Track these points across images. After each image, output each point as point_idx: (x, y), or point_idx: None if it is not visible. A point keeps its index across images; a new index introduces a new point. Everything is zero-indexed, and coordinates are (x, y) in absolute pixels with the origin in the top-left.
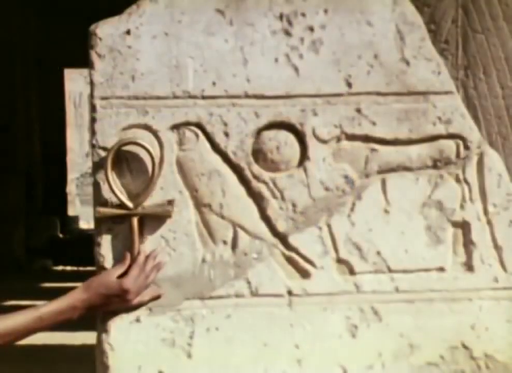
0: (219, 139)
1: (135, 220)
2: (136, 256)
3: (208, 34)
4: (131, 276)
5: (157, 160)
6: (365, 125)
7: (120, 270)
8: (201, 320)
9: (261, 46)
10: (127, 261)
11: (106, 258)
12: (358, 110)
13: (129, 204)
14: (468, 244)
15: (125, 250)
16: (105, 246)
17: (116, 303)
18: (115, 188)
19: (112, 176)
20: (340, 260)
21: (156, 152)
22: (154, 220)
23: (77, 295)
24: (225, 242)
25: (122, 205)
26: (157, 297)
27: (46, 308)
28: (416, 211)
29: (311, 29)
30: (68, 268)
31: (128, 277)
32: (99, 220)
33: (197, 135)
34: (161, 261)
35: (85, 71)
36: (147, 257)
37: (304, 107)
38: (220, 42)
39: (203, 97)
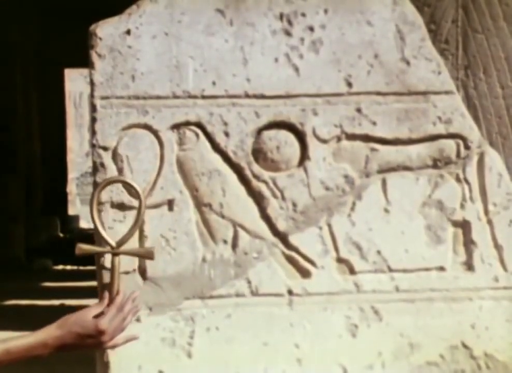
0: (220, 138)
1: (116, 260)
2: (114, 296)
3: (208, 34)
4: (108, 317)
5: (142, 197)
6: (365, 125)
7: (97, 309)
8: (202, 319)
9: (262, 46)
10: (105, 301)
11: (106, 257)
12: (359, 110)
13: (112, 243)
14: (468, 243)
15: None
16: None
17: (89, 344)
18: (99, 226)
19: (97, 214)
20: (340, 260)
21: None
22: (154, 219)
23: (50, 332)
24: (225, 242)
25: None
26: (132, 340)
27: (15, 342)
28: (416, 210)
29: (311, 29)
30: (68, 267)
31: (105, 318)
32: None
33: (197, 135)
34: (139, 305)
35: (85, 71)
36: (126, 299)
37: (304, 107)
38: (220, 42)
39: (203, 97)
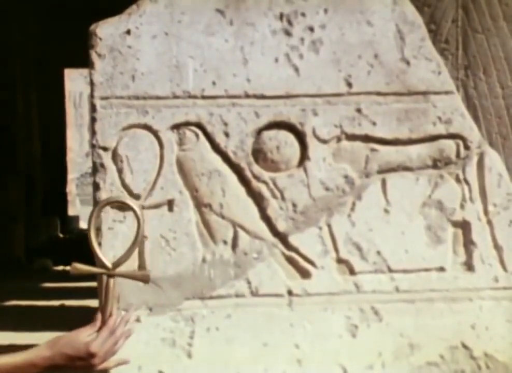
0: (220, 138)
1: (111, 282)
2: (107, 318)
3: (208, 34)
4: (99, 340)
5: (140, 219)
6: (365, 125)
7: (89, 331)
8: (202, 320)
9: (262, 46)
10: (98, 323)
11: (106, 257)
12: (359, 110)
13: (108, 264)
14: (468, 244)
15: (98, 310)
16: (106, 246)
17: (79, 366)
18: (96, 247)
19: (94, 234)
20: (340, 260)
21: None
22: (154, 219)
23: (40, 352)
24: (225, 242)
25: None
26: (123, 364)
27: (3, 360)
28: (416, 210)
29: (311, 29)
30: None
31: (96, 341)
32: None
33: (197, 135)
34: (131, 328)
35: (85, 71)
36: (119, 322)
37: (304, 107)
38: (220, 42)
39: (203, 97)
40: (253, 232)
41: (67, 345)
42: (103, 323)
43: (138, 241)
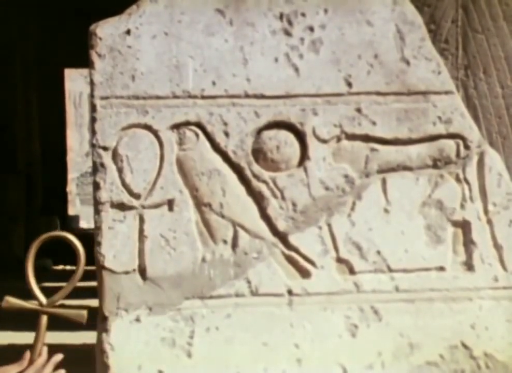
0: (220, 138)
1: (44, 318)
2: (36, 357)
3: (208, 34)
4: None
5: (82, 259)
6: (365, 125)
7: (16, 369)
8: (201, 319)
9: (261, 46)
10: (25, 362)
11: (106, 257)
12: (358, 110)
13: (43, 300)
14: (468, 243)
15: (32, 346)
16: (106, 246)
17: None
18: (32, 283)
19: (32, 270)
20: (340, 260)
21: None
22: (154, 219)
23: None
24: (225, 241)
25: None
26: None
27: None
28: (416, 210)
29: (311, 29)
30: (68, 267)
31: None
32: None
33: (197, 135)
34: (60, 371)
35: (85, 71)
36: (47, 363)
37: (304, 107)
38: (220, 41)
39: (203, 97)
40: (253, 232)
41: None
42: (31, 362)
43: (76, 278)
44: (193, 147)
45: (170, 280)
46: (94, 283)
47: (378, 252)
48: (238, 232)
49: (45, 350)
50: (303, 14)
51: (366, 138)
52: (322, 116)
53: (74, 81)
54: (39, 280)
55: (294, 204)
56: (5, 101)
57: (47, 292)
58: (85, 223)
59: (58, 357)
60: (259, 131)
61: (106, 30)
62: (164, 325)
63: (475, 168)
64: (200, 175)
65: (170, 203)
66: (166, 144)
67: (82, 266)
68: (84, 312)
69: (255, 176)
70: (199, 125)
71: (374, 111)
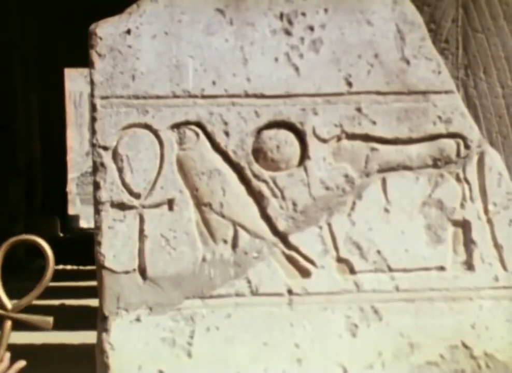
0: (220, 138)
1: (9, 324)
2: None
3: (208, 33)
4: None
5: (51, 264)
6: (365, 124)
7: None
8: (202, 319)
9: (262, 45)
10: None
11: (106, 257)
12: (359, 109)
13: (8, 305)
14: (469, 243)
15: None
16: (106, 245)
17: None
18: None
19: None
20: (340, 259)
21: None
22: (154, 218)
23: None
24: (225, 241)
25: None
26: None
27: None
28: (416, 210)
29: (311, 28)
30: (68, 267)
31: None
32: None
33: (197, 134)
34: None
35: (85, 71)
36: (8, 369)
37: (304, 106)
38: (220, 41)
39: (203, 96)
40: (253, 232)
41: None
42: None
43: (45, 283)
44: (193, 147)
45: (170, 280)
46: (94, 283)
47: (378, 252)
48: (238, 232)
49: (7, 356)
50: (303, 14)
51: (366, 138)
52: (322, 116)
53: (74, 80)
54: (39, 280)
55: (294, 204)
56: (5, 101)
57: (47, 292)
58: (85, 223)
59: (21, 363)
60: (259, 131)
61: (106, 30)
62: (164, 325)
63: (475, 167)
64: (200, 175)
65: (170, 203)
66: (166, 143)
67: (51, 270)
68: (50, 319)
69: (255, 176)
70: (199, 125)
71: (375, 111)
